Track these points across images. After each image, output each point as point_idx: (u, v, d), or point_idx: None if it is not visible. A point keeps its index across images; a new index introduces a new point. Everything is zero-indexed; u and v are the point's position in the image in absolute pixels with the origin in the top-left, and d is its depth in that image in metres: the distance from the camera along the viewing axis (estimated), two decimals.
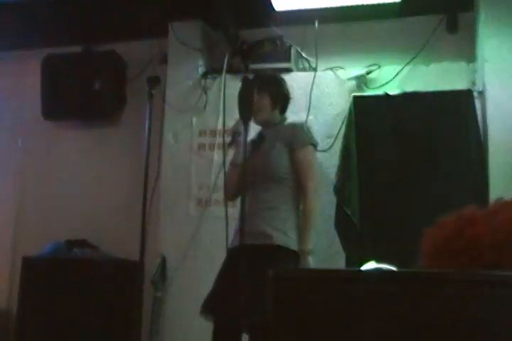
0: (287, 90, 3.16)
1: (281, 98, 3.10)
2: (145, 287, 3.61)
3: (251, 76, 3.05)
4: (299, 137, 2.96)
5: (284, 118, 3.12)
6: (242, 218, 2.42)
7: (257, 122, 3.05)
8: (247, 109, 2.76)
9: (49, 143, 4.64)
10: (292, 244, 2.78)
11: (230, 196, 3.03)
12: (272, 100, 3.04)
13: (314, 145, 3.00)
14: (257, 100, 2.94)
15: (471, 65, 3.68)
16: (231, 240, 2.91)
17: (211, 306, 2.79)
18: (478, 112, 3.31)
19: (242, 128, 2.66)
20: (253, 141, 3.02)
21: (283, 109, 3.12)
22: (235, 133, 3.00)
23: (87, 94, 4.28)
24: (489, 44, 3.40)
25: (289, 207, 2.86)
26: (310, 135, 3.08)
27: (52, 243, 4.07)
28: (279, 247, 2.75)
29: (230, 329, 2.67)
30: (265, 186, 2.86)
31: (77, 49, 4.46)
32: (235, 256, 2.72)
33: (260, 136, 3.06)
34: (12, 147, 4.71)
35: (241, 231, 2.43)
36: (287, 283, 1.40)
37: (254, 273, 2.29)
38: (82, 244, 4.08)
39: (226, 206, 2.99)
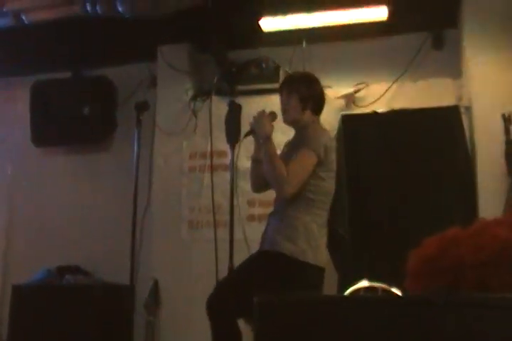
0: (319, 90, 2.95)
1: (312, 98, 2.88)
2: (138, 311, 3.58)
3: (238, 98, 3.05)
4: (303, 140, 2.78)
5: (314, 122, 2.90)
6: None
7: (285, 123, 2.91)
8: (233, 132, 2.77)
9: (39, 170, 4.64)
10: (300, 254, 2.64)
11: (258, 190, 2.94)
12: (301, 100, 2.84)
13: (311, 149, 2.73)
14: (285, 100, 2.85)
15: (457, 80, 3.71)
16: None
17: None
18: (466, 127, 3.32)
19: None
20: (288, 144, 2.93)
21: (315, 109, 2.91)
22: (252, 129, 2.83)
23: (76, 119, 4.29)
24: (474, 60, 3.42)
25: (301, 214, 2.71)
26: (314, 139, 2.79)
27: (43, 269, 4.05)
28: (283, 255, 2.63)
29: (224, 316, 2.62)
30: (277, 196, 2.79)
31: (66, 74, 4.48)
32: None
33: (292, 142, 2.92)
34: (2, 174, 4.71)
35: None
36: (272, 308, 1.39)
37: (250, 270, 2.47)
38: (74, 270, 4.05)
39: (215, 228, 2.98)
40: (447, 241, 1.55)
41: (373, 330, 1.26)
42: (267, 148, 2.71)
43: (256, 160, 2.88)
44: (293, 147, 2.81)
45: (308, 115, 2.87)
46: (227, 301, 2.60)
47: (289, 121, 2.89)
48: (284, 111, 2.86)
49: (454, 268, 1.49)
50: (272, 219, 2.77)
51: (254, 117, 2.81)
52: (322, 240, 2.72)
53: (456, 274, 1.47)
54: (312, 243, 2.66)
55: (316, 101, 2.89)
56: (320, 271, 2.69)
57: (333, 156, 2.81)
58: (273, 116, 2.85)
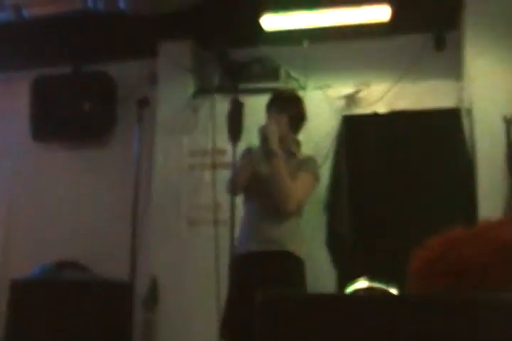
0: (304, 110, 3.06)
1: (298, 118, 3.01)
2: (136, 308, 3.58)
3: (240, 96, 3.06)
4: (308, 165, 2.94)
5: (299, 144, 3.07)
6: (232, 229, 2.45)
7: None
8: (235, 130, 2.78)
9: (38, 165, 4.62)
10: (302, 252, 2.85)
11: (239, 190, 2.92)
12: (289, 119, 2.94)
13: (315, 175, 2.94)
14: (275, 117, 2.90)
15: (458, 82, 3.71)
16: (239, 246, 2.86)
17: (230, 329, 2.75)
18: (466, 129, 3.32)
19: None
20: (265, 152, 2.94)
21: (298, 129, 3.05)
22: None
23: (76, 115, 4.27)
24: (476, 62, 3.42)
25: (295, 217, 2.90)
26: (316, 166, 3.01)
27: (41, 264, 4.04)
28: (290, 254, 2.80)
29: None
30: (271, 200, 2.85)
31: (66, 70, 4.46)
32: (247, 264, 2.78)
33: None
34: (1, 168, 4.70)
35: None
36: (275, 307, 1.39)
37: (268, 282, 2.50)
38: (73, 265, 4.05)
39: (216, 226, 2.98)
40: (450, 241, 1.56)
41: (374, 329, 1.26)
42: (279, 161, 2.78)
43: (249, 161, 2.93)
44: (289, 163, 2.87)
45: (291, 133, 2.98)
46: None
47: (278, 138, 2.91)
48: (275, 131, 2.87)
49: (456, 269, 1.49)
50: (266, 219, 2.83)
51: (265, 127, 2.85)
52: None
53: (458, 275, 1.47)
54: (304, 242, 2.91)
55: (301, 121, 3.03)
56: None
57: None
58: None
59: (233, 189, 2.86)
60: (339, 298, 1.41)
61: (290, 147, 2.97)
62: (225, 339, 2.79)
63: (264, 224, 2.83)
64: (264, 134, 2.82)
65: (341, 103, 3.91)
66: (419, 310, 1.23)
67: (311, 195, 3.43)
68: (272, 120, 2.89)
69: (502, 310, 1.18)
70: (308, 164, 2.91)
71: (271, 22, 3.85)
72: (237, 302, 2.72)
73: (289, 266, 2.78)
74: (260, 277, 2.65)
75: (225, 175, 3.69)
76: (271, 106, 2.98)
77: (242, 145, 2.96)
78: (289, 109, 2.94)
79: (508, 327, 1.15)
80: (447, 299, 1.24)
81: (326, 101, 3.95)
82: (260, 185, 2.85)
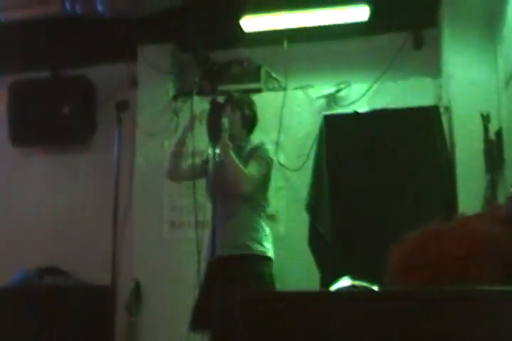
0: (256, 113, 3.34)
1: (251, 119, 3.28)
2: (119, 312, 3.55)
3: (219, 98, 3.10)
4: (256, 153, 3.15)
5: (249, 140, 3.28)
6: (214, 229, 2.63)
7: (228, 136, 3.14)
8: (215, 131, 2.82)
9: (17, 170, 4.57)
10: (267, 252, 3.05)
11: (178, 177, 3.35)
12: (242, 118, 3.22)
13: (265, 159, 3.15)
14: (230, 115, 3.15)
15: (436, 80, 3.73)
16: (204, 251, 3.02)
17: (198, 321, 2.95)
18: (445, 127, 3.34)
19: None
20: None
21: (250, 130, 3.30)
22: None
23: (56, 119, 4.24)
24: (453, 60, 3.44)
25: (256, 217, 3.10)
26: (265, 151, 3.20)
27: (21, 271, 3.99)
28: (257, 256, 3.00)
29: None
30: (232, 199, 3.04)
31: (45, 74, 4.43)
32: (215, 267, 2.88)
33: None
34: None
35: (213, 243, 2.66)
36: (254, 305, 1.38)
37: (235, 284, 2.66)
38: (54, 270, 4.00)
39: (197, 228, 2.98)
40: (428, 235, 1.56)
41: (356, 325, 1.25)
42: (227, 148, 2.99)
43: (182, 143, 3.23)
44: (241, 158, 3.09)
45: (243, 133, 3.25)
46: None
47: (231, 134, 3.11)
48: (229, 124, 3.09)
49: (434, 262, 1.48)
50: (229, 222, 3.01)
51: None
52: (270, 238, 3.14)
53: (436, 269, 1.47)
54: (269, 241, 3.09)
55: (253, 122, 3.29)
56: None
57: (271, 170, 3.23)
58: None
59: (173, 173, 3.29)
60: (321, 295, 1.40)
61: (241, 143, 3.21)
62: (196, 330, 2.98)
63: (230, 226, 3.00)
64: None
65: (322, 102, 3.92)
66: (401, 305, 1.22)
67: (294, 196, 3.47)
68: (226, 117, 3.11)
69: (483, 304, 1.17)
70: (256, 152, 3.14)
71: (250, 23, 3.85)
72: (205, 299, 2.89)
73: (259, 269, 2.99)
74: (225, 281, 2.76)
75: None
76: (225, 106, 3.21)
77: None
78: (242, 109, 3.23)
79: (489, 321, 1.15)
80: (428, 293, 1.24)
81: (306, 101, 3.96)
82: (215, 181, 2.93)
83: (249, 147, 3.21)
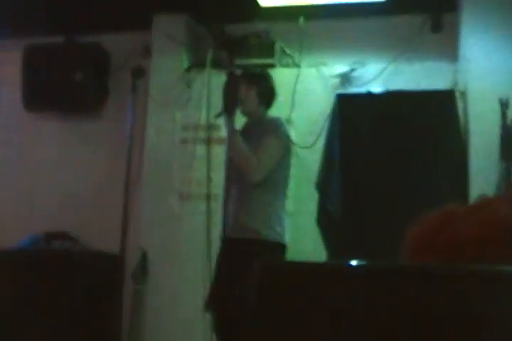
0: (274, 87, 3.22)
1: (268, 94, 3.16)
2: (126, 280, 3.59)
3: (236, 71, 3.07)
4: (270, 130, 3.02)
5: (266, 114, 3.18)
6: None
7: (242, 112, 3.10)
8: (231, 103, 2.80)
9: (30, 134, 4.57)
10: (278, 237, 2.89)
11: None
12: (258, 94, 3.09)
13: (278, 136, 3.01)
14: (245, 91, 3.03)
15: (454, 64, 3.71)
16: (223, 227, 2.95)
17: (213, 302, 2.88)
18: (460, 112, 3.33)
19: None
20: (241, 133, 3.05)
21: (268, 105, 3.18)
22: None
23: (68, 85, 4.22)
24: (471, 44, 3.43)
25: (271, 199, 2.94)
26: (279, 127, 3.09)
27: (31, 235, 4.02)
28: (266, 242, 2.85)
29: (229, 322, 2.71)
30: (244, 180, 2.92)
31: (58, 39, 4.39)
32: (225, 248, 2.87)
33: (246, 131, 3.09)
34: None
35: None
36: (273, 274, 1.40)
37: (244, 269, 2.42)
38: (62, 236, 4.03)
39: (208, 201, 2.99)
40: (445, 217, 1.56)
41: (375, 299, 1.27)
42: (236, 138, 2.91)
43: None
44: (253, 136, 2.97)
45: (262, 109, 3.12)
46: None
47: (245, 111, 3.08)
48: (242, 101, 3.02)
49: (451, 243, 1.49)
50: (239, 203, 2.90)
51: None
52: (286, 222, 2.98)
53: (453, 249, 1.48)
54: (283, 225, 2.92)
55: (270, 97, 3.16)
56: (286, 249, 2.95)
57: (291, 145, 3.11)
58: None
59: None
60: (338, 267, 1.42)
61: (257, 119, 3.10)
62: (210, 311, 2.91)
63: (237, 208, 2.91)
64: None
65: (335, 81, 3.90)
66: (417, 281, 1.23)
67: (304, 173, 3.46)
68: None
69: (501, 283, 1.19)
70: (270, 127, 3.02)
71: None
72: (222, 278, 2.82)
73: (267, 255, 2.81)
74: (231, 268, 2.76)
75: (218, 150, 3.68)
76: (241, 81, 3.10)
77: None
78: (258, 84, 3.10)
79: (506, 300, 1.16)
80: (445, 270, 1.25)
81: (320, 79, 3.94)
82: (227, 161, 2.97)
83: (265, 122, 3.12)
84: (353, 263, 2.09)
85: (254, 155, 2.86)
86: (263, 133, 2.99)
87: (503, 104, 3.03)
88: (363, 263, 2.14)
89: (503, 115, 3.01)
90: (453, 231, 1.48)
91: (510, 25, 3.27)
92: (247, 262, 2.65)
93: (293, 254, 3.36)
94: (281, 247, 2.90)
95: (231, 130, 2.92)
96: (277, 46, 4.01)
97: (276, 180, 2.96)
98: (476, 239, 1.42)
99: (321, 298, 1.30)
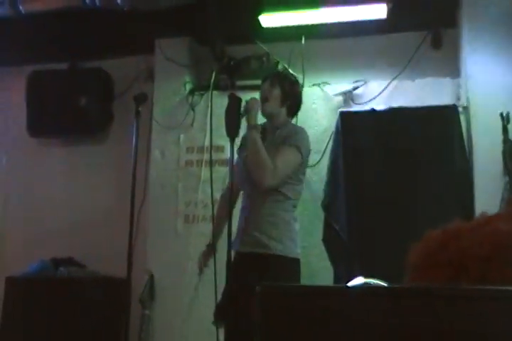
0: (300, 92, 3.03)
1: (292, 97, 2.95)
2: (133, 305, 3.57)
3: (237, 93, 3.06)
4: (291, 139, 2.85)
5: (289, 122, 3.00)
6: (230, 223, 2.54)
7: (263, 113, 2.95)
8: (233, 126, 2.77)
9: (34, 161, 4.61)
10: (288, 251, 2.77)
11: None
12: (282, 94, 2.91)
13: (299, 148, 2.83)
14: (268, 89, 2.89)
15: (455, 80, 3.72)
16: (234, 241, 2.82)
17: (222, 314, 2.79)
18: (463, 127, 3.33)
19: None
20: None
21: (291, 111, 3.00)
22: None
23: (73, 111, 4.26)
24: (472, 59, 3.43)
25: (281, 212, 2.82)
26: (301, 139, 2.90)
27: (37, 261, 4.02)
28: (276, 256, 2.75)
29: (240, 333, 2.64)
30: (257, 191, 2.82)
31: (63, 66, 4.45)
32: (237, 262, 2.78)
33: (264, 135, 2.92)
34: None
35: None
36: (274, 298, 1.38)
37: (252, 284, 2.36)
38: (69, 262, 4.03)
39: (213, 222, 2.98)
40: (449, 234, 1.55)
41: (376, 321, 1.25)
42: (256, 134, 2.77)
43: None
44: (274, 142, 2.84)
45: (284, 113, 2.93)
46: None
47: (267, 111, 2.92)
48: (265, 99, 2.89)
49: (455, 261, 1.48)
50: (250, 217, 2.80)
51: (247, 102, 2.85)
52: (298, 235, 2.85)
53: (457, 268, 1.46)
54: (295, 239, 2.79)
55: (294, 101, 2.96)
56: (299, 263, 2.82)
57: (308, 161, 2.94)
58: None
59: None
60: (339, 290, 1.41)
61: (278, 124, 2.93)
62: (218, 325, 2.82)
63: (251, 221, 2.79)
64: (246, 108, 2.82)
65: (339, 99, 3.92)
66: (421, 302, 1.22)
67: (308, 189, 3.42)
68: (256, 100, 2.87)
69: (504, 302, 1.17)
70: (292, 137, 2.83)
71: (269, 19, 3.84)
72: (229, 294, 2.70)
73: (277, 270, 2.72)
74: (248, 279, 2.61)
75: (222, 171, 3.69)
76: (265, 82, 2.95)
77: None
78: (282, 84, 2.91)
79: (509, 320, 1.14)
80: (449, 291, 1.24)
81: (323, 98, 3.96)
82: (241, 172, 2.82)
83: (285, 130, 2.90)
84: (352, 285, 2.07)
85: (270, 159, 2.72)
86: (284, 140, 2.82)
87: (504, 119, 3.02)
88: (363, 285, 2.11)
89: (505, 129, 3.01)
90: (456, 249, 1.46)
91: (509, 40, 3.28)
92: (257, 277, 2.59)
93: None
94: (294, 262, 2.78)
95: (251, 125, 2.76)
96: (280, 66, 4.03)
97: (287, 192, 2.83)
98: (479, 256, 1.40)
99: (321, 321, 1.28)
